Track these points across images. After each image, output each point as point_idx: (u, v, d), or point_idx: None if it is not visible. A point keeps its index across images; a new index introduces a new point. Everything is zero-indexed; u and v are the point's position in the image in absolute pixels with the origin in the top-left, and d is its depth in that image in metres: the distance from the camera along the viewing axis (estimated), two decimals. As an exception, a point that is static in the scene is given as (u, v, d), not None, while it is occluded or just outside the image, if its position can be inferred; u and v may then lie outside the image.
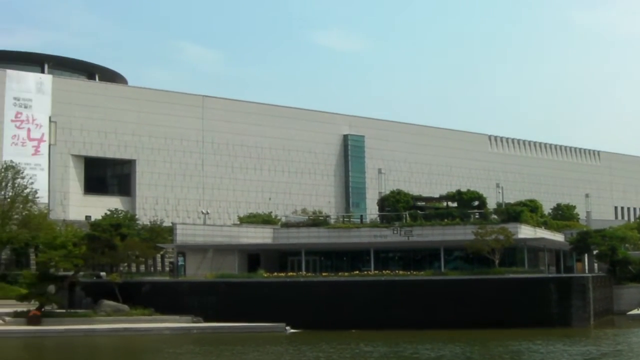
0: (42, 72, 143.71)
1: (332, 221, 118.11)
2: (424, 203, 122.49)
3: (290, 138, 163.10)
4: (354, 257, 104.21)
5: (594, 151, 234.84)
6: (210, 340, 73.95)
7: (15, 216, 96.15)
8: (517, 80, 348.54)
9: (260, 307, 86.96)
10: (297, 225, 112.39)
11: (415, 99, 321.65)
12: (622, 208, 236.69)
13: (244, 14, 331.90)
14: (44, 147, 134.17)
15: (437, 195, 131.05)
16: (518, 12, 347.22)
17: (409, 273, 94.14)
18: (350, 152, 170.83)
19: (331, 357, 63.79)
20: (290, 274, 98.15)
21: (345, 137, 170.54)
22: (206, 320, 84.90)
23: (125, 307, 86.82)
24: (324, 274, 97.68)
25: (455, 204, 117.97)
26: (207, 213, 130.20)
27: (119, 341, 75.72)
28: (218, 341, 73.17)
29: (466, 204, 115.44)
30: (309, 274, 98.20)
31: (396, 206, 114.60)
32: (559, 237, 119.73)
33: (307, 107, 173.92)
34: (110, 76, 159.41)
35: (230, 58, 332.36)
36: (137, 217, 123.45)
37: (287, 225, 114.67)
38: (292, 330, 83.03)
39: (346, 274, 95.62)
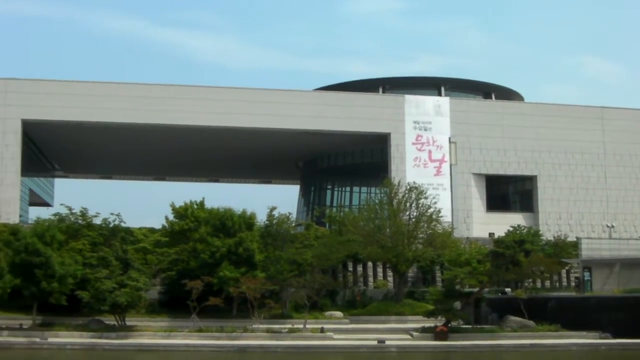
0: (439, 95, 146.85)
1: None
2: None
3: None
4: None
5: None
6: (620, 357, 71.65)
7: (420, 235, 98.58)
8: None
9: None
10: None
11: None
12: None
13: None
14: (445, 168, 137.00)
15: None
16: None
17: None
18: None
19: None
20: None
21: None
22: (615, 336, 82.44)
23: (531, 323, 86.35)
24: None
25: None
26: (613, 226, 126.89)
27: (526, 357, 75.47)
28: (629, 358, 70.66)
29: None
30: None
31: None
32: None
33: None
34: (506, 94, 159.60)
35: (632, 68, 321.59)
36: (540, 232, 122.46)
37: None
38: None
39: None
